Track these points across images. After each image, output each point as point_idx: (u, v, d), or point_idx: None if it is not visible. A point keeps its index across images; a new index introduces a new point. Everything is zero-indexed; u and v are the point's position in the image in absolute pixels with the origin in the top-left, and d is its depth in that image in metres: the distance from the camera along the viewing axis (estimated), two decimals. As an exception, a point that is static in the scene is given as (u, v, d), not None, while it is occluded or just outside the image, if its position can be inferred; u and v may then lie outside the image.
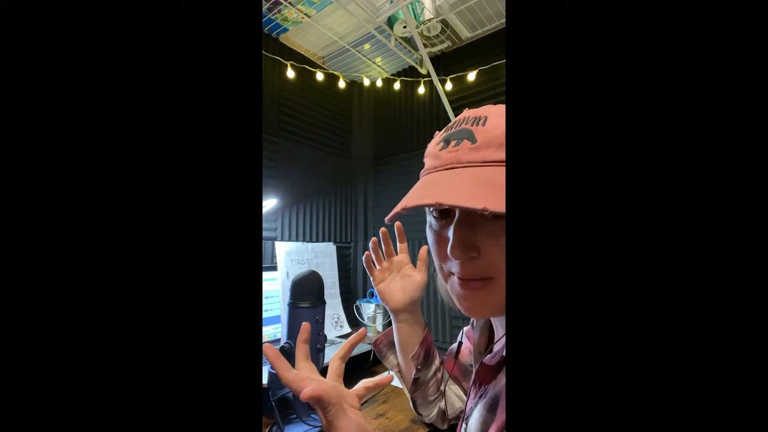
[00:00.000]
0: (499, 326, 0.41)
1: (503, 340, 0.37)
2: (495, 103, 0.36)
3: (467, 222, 0.32)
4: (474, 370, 0.40)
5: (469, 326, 0.57)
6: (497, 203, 0.26)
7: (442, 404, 0.60)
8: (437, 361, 0.60)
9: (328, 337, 0.60)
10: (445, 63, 1.26)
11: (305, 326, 0.43)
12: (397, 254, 0.63)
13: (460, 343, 0.59)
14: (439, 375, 0.60)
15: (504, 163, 0.30)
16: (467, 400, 0.42)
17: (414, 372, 0.57)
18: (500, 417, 0.32)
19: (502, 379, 0.35)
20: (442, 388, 0.60)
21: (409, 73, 1.33)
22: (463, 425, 0.39)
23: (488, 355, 0.36)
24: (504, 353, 0.34)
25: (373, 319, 1.19)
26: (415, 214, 0.40)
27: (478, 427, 0.35)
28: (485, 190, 0.28)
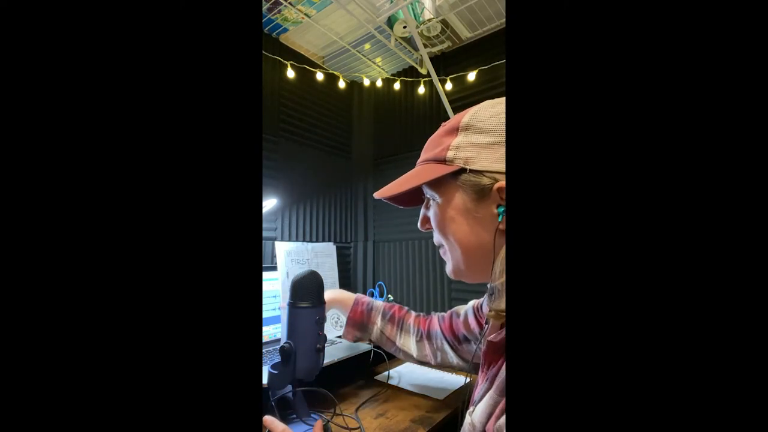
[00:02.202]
0: None
1: None
2: None
3: (426, 204, 0.45)
4: (481, 353, 0.41)
5: (484, 299, 0.61)
6: (400, 188, 0.41)
7: (410, 348, 0.69)
8: (378, 324, 0.71)
9: (328, 337, 0.60)
10: (445, 63, 1.26)
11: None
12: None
13: (467, 313, 0.65)
14: (387, 332, 0.71)
15: (423, 162, 0.42)
16: (476, 385, 0.42)
17: (353, 340, 0.74)
18: None
19: None
20: (399, 343, 0.70)
21: (409, 73, 1.33)
22: (471, 408, 0.39)
23: (494, 334, 0.37)
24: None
25: (373, 319, 1.19)
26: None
27: (485, 410, 0.35)
28: (404, 181, 0.42)
